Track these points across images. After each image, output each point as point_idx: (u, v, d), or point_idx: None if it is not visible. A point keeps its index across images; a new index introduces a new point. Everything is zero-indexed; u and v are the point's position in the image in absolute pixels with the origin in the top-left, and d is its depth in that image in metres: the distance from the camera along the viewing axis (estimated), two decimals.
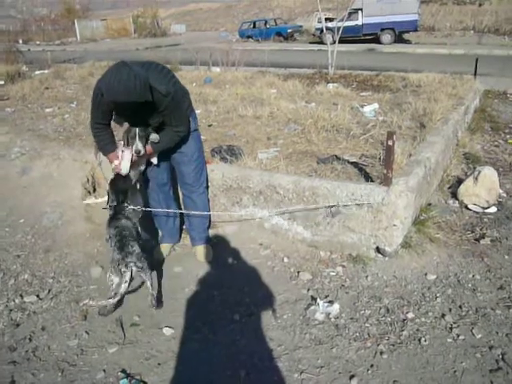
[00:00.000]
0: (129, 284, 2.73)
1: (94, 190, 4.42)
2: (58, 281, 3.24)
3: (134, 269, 2.71)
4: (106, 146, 3.00)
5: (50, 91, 8.18)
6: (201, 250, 3.39)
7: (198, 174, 3.25)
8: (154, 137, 2.93)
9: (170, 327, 2.70)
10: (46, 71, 10.89)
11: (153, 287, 2.85)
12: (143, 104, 2.58)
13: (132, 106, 2.56)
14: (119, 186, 3.00)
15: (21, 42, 31.51)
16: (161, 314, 2.81)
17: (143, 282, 2.96)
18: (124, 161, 2.92)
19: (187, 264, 3.34)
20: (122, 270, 2.69)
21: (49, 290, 3.13)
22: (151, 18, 39.54)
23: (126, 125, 3.00)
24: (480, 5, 31.07)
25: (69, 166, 4.63)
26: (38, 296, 3.07)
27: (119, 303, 2.88)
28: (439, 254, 3.27)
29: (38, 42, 34.27)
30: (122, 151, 2.93)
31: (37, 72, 10.74)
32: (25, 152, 5.10)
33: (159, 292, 3.03)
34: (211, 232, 3.60)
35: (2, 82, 9.34)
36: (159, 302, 2.91)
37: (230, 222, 3.67)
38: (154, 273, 3.09)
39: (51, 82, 9.16)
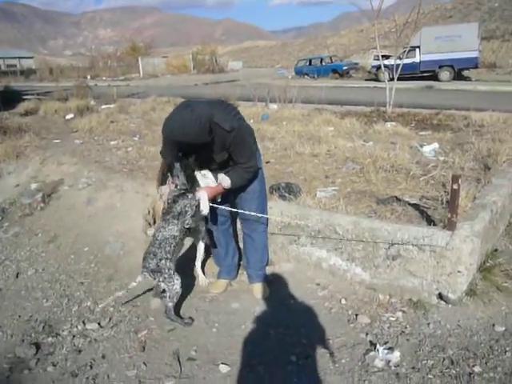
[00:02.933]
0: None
1: (155, 222, 4.57)
2: (118, 310, 3.34)
3: (148, 277, 3.02)
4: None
5: (115, 125, 8.64)
6: (258, 287, 3.39)
7: (260, 212, 3.27)
8: (221, 176, 3.01)
9: (226, 364, 2.70)
10: (111, 105, 11.54)
11: (170, 299, 3.01)
12: (204, 143, 2.70)
13: (192, 145, 2.70)
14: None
15: (89, 77, 33.79)
16: (218, 350, 2.81)
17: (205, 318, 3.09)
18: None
19: (244, 301, 3.34)
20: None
21: (110, 319, 3.23)
22: (210, 54, 41.33)
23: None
24: None
25: (131, 198, 4.83)
26: (99, 324, 3.17)
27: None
28: (507, 304, 3.09)
29: (104, 78, 36.54)
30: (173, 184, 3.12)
31: (103, 106, 11.40)
32: (91, 183, 5.38)
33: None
34: (268, 269, 3.61)
35: (72, 115, 9.99)
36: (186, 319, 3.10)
37: (287, 261, 3.66)
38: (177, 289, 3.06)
39: (116, 115, 9.68)
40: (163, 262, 3.00)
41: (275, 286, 3.47)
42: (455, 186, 2.92)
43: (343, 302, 3.25)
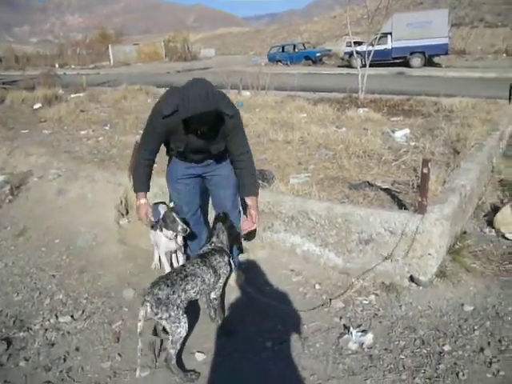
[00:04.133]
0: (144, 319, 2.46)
1: (127, 213, 4.51)
2: (91, 302, 3.30)
3: (149, 310, 2.41)
4: (141, 183, 3.03)
5: (85, 114, 8.46)
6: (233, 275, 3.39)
7: (236, 199, 3.25)
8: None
9: (201, 352, 2.70)
10: (81, 94, 11.29)
11: (173, 344, 2.48)
12: (214, 122, 2.65)
13: (207, 119, 2.57)
14: None
15: (57, 65, 32.84)
16: (193, 339, 2.80)
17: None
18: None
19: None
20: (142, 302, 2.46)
21: (83, 311, 3.18)
22: (182, 42, 40.70)
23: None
24: None
25: (103, 188, 4.75)
26: (72, 316, 3.13)
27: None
28: (476, 284, 3.18)
29: (73, 66, 35.61)
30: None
31: (72, 95, 11.13)
32: (61, 174, 5.27)
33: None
34: (243, 256, 3.61)
35: (40, 105, 9.71)
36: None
37: (262, 247, 3.67)
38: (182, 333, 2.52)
39: (86, 105, 9.48)
40: (175, 297, 2.48)
41: (250, 272, 3.47)
42: (425, 170, 2.97)
43: (317, 287, 3.29)
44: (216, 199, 3.27)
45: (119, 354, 2.74)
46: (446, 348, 2.61)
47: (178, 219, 2.99)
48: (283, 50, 28.42)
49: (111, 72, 26.30)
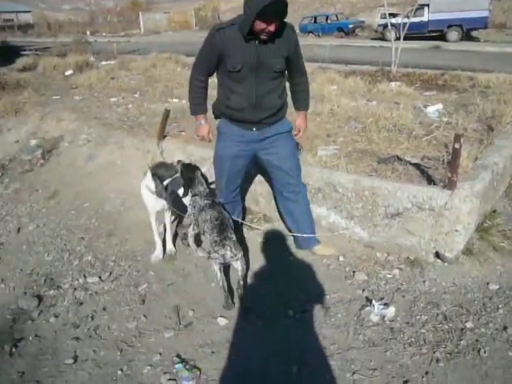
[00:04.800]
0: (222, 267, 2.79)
1: None
2: (118, 264, 3.39)
3: (229, 253, 2.68)
4: (199, 105, 2.96)
5: (115, 81, 8.51)
6: (324, 247, 3.35)
7: (299, 169, 3.18)
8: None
9: (224, 317, 2.76)
10: (111, 62, 11.33)
11: (242, 278, 2.79)
12: (282, 19, 2.57)
13: (280, 8, 2.48)
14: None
15: (88, 33, 32.96)
16: (216, 305, 2.87)
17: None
18: None
19: (244, 256, 3.37)
20: (219, 250, 2.70)
21: (110, 273, 3.29)
22: (212, 11, 40.11)
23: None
24: None
25: (131, 155, 4.82)
26: (100, 277, 3.23)
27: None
28: (503, 263, 3.12)
29: (104, 34, 35.62)
30: None
31: (103, 62, 11.19)
32: (91, 139, 5.36)
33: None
34: (268, 226, 3.63)
35: (72, 72, 9.81)
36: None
37: None
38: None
39: (116, 72, 9.52)
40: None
41: (275, 242, 3.50)
42: (457, 146, 2.89)
43: (341, 259, 3.29)
44: (279, 177, 3.14)
45: (144, 316, 2.83)
46: (469, 325, 2.60)
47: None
48: (315, 21, 27.72)
49: (141, 40, 26.25)
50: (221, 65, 2.77)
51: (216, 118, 3.07)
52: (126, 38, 29.20)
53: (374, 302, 2.78)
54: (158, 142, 4.57)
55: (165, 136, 4.64)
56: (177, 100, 6.58)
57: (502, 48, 16.64)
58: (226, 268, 2.90)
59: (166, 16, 42.22)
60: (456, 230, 3.00)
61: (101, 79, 8.57)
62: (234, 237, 2.78)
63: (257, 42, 2.64)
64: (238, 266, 2.76)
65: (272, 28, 2.54)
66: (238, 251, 2.73)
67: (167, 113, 4.52)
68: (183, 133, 4.83)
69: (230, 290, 2.90)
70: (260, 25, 2.52)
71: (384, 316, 2.70)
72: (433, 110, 5.31)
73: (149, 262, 3.38)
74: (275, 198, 3.49)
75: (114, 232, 3.86)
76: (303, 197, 3.22)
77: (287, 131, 3.04)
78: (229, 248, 2.69)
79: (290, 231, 3.38)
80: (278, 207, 3.51)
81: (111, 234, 3.83)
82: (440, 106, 5.45)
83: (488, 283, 2.95)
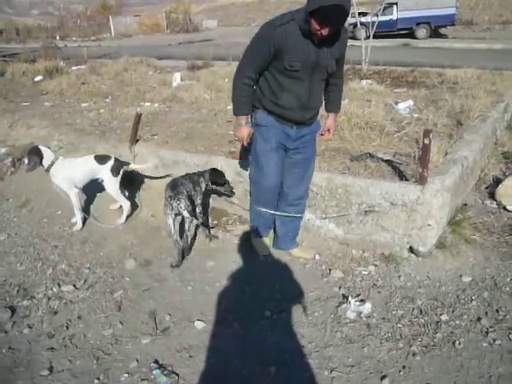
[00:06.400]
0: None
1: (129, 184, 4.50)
2: (93, 271, 3.34)
3: (183, 205, 3.17)
4: (245, 104, 2.81)
5: (86, 86, 8.36)
6: (303, 248, 3.38)
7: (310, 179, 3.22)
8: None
9: (201, 321, 2.74)
10: (82, 67, 11.13)
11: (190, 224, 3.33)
12: (342, 24, 2.53)
13: (343, 14, 2.40)
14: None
15: (58, 38, 32.35)
16: (193, 308, 2.85)
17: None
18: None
19: (220, 259, 3.37)
20: (174, 204, 3.17)
21: (85, 281, 3.23)
22: (183, 13, 39.83)
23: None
24: None
25: None
26: (74, 286, 3.17)
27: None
28: (475, 255, 3.19)
29: (74, 38, 35.04)
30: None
31: (73, 68, 10.99)
32: (62, 146, 5.24)
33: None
34: (244, 228, 3.63)
35: (41, 77, 9.61)
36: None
37: None
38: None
39: (87, 77, 9.36)
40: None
41: (250, 244, 3.49)
42: (426, 141, 2.94)
43: (317, 257, 3.31)
44: (294, 179, 3.11)
45: (121, 322, 2.79)
46: (444, 317, 2.64)
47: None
48: None
49: (112, 44, 25.91)
50: (275, 61, 2.65)
51: (251, 109, 2.91)
52: (96, 43, 28.82)
53: (350, 298, 2.80)
54: (130, 146, 4.51)
55: (137, 140, 4.58)
56: (149, 104, 6.51)
57: (469, 44, 17.04)
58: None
59: (137, 19, 41.75)
60: (429, 225, 3.05)
61: (71, 84, 8.41)
62: (185, 192, 3.21)
63: (315, 41, 2.57)
64: (186, 215, 3.23)
65: (325, 32, 2.46)
66: (188, 203, 3.21)
67: (139, 117, 4.46)
68: (156, 136, 4.79)
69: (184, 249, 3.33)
70: (314, 25, 2.44)
71: (360, 312, 2.73)
72: (403, 106, 5.39)
73: (124, 268, 3.33)
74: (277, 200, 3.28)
75: (89, 239, 3.79)
76: (304, 204, 3.25)
77: (316, 132, 3.05)
78: (183, 200, 3.17)
79: (274, 231, 3.37)
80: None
81: (85, 240, 3.77)
82: (410, 102, 5.54)
83: (461, 275, 3.01)
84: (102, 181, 3.91)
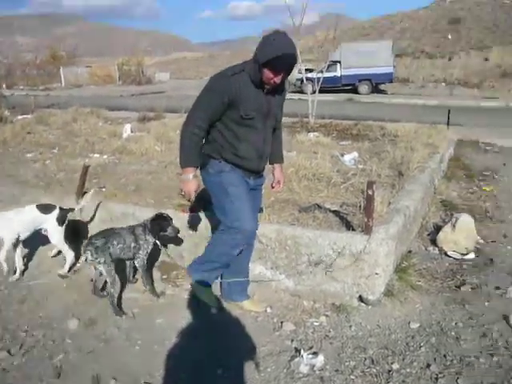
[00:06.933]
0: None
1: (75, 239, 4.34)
2: (31, 334, 3.10)
3: (89, 256, 3.17)
4: (193, 156, 2.74)
5: (32, 136, 8.19)
6: (253, 304, 3.30)
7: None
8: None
9: (149, 383, 2.60)
10: (28, 116, 10.93)
11: (111, 284, 3.21)
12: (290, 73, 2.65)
13: (293, 62, 2.57)
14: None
15: (4, 86, 31.68)
16: (141, 369, 2.70)
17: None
18: None
19: (169, 315, 3.24)
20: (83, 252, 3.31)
21: (21, 345, 2.97)
22: (136, 65, 40.39)
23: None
24: (450, 59, 32.84)
25: None
26: (9, 352, 2.90)
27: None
28: (421, 301, 3.28)
29: (21, 87, 34.45)
30: None
31: (19, 117, 10.76)
32: (2, 199, 5.01)
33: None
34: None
35: None
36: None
37: None
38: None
39: (33, 127, 9.18)
40: (108, 245, 3.26)
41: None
42: (370, 192, 3.06)
43: (269, 310, 3.27)
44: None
45: None
46: (395, 366, 2.65)
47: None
48: None
49: (62, 94, 25.69)
50: (229, 111, 2.67)
51: (205, 159, 2.84)
52: (45, 92, 28.49)
53: (302, 352, 2.76)
54: (77, 199, 4.39)
55: (84, 193, 4.47)
56: (98, 155, 6.43)
57: (406, 100, 18.29)
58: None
59: (88, 70, 41.88)
60: (376, 273, 3.12)
61: (16, 134, 8.20)
62: (98, 243, 3.17)
63: (265, 90, 2.68)
64: (102, 270, 3.21)
65: (278, 80, 2.59)
66: (100, 257, 3.16)
67: (86, 168, 4.39)
68: (104, 189, 4.70)
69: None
70: (268, 74, 2.55)
71: (314, 365, 2.69)
72: (349, 158, 5.63)
73: (65, 329, 3.14)
74: None
75: (28, 298, 3.56)
76: (251, 250, 3.22)
77: (263, 184, 3.13)
78: (89, 252, 3.17)
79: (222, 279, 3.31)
80: None
81: (23, 300, 3.53)
82: (355, 154, 5.80)
83: (409, 322, 3.06)
84: (46, 231, 3.78)
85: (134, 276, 3.65)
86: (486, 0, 43.24)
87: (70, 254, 3.85)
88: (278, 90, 2.76)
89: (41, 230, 3.80)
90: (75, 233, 4.15)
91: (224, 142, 2.78)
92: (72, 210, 3.95)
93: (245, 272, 3.25)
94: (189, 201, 3.01)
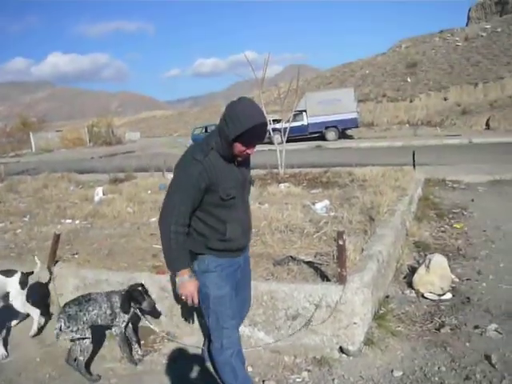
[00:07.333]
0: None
1: (47, 310, 4.22)
2: None
3: (62, 325, 3.13)
4: (184, 256, 2.46)
5: (2, 205, 8.06)
6: None
7: None
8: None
9: None
10: None
11: (81, 352, 3.18)
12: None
13: (265, 130, 2.40)
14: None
15: None
16: None
17: None
18: None
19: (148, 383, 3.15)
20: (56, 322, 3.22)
21: None
22: (106, 127, 40.77)
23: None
24: (411, 101, 34.38)
25: None
26: None
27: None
28: (402, 347, 3.27)
29: None
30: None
31: None
32: None
33: None
34: (171, 345, 3.47)
35: None
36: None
37: (191, 334, 3.56)
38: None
39: (3, 195, 9.07)
40: (82, 313, 3.24)
41: (181, 362, 3.32)
42: (340, 242, 3.11)
43: (250, 369, 3.19)
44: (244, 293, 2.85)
45: None
46: None
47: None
48: (206, 131, 29.33)
49: (33, 159, 25.59)
50: (208, 196, 2.42)
51: (192, 259, 2.55)
52: (15, 159, 28.35)
53: None
54: (48, 268, 4.30)
55: (56, 261, 4.39)
56: (70, 221, 6.36)
57: (373, 143, 18.90)
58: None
59: (59, 134, 41.98)
60: (354, 323, 3.12)
61: None
62: (70, 311, 3.17)
63: (236, 163, 2.48)
64: (75, 337, 3.16)
65: (251, 151, 2.41)
66: (73, 325, 3.14)
67: (57, 237, 4.33)
68: (76, 255, 4.63)
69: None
70: (240, 148, 2.36)
71: None
72: (320, 206, 5.72)
73: None
74: None
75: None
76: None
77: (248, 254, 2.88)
78: (62, 320, 3.14)
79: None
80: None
81: None
82: (327, 202, 5.90)
83: (392, 371, 3.03)
84: (7, 295, 3.78)
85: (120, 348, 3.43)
86: (440, 43, 46.07)
87: (35, 313, 3.88)
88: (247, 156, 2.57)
89: (5, 297, 3.79)
90: (41, 296, 4.15)
91: (207, 230, 2.49)
92: (31, 273, 3.98)
93: None
94: (193, 305, 2.55)
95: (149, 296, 3.42)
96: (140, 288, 3.38)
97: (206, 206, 2.46)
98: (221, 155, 2.41)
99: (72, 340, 3.23)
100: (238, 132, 2.28)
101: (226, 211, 2.48)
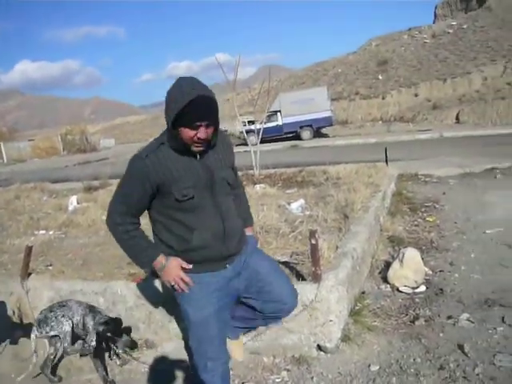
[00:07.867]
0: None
1: (22, 323, 4.14)
2: None
3: (36, 331, 3.21)
4: (150, 248, 2.20)
5: None
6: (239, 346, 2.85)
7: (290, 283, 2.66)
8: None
9: None
10: None
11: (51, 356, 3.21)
12: (215, 121, 2.09)
13: (212, 108, 2.04)
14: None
15: None
16: None
17: None
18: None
19: None
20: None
21: None
22: (80, 134, 40.14)
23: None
24: (383, 98, 34.96)
25: None
26: None
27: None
28: (379, 342, 3.32)
29: None
30: None
31: None
32: None
33: None
34: (150, 352, 3.45)
35: None
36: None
37: (169, 339, 3.54)
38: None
39: None
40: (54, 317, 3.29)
41: (158, 369, 3.31)
42: (313, 241, 3.15)
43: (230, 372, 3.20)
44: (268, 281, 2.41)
45: None
46: None
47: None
48: None
49: (4, 170, 24.96)
50: (163, 198, 2.14)
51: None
52: None
53: None
54: (21, 281, 4.22)
55: (30, 274, 4.31)
56: (44, 231, 6.24)
57: (348, 140, 19.12)
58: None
59: (31, 143, 41.16)
60: (330, 320, 3.16)
61: None
62: (40, 317, 3.24)
63: (198, 156, 2.13)
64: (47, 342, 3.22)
65: (202, 134, 2.03)
66: (44, 327, 3.19)
67: (29, 249, 4.25)
68: (50, 267, 4.55)
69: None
70: (186, 133, 2.02)
71: None
72: (296, 206, 5.76)
73: None
74: None
75: None
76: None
77: (256, 243, 2.60)
78: (34, 328, 3.22)
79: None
80: None
81: None
82: (302, 201, 5.94)
83: (369, 365, 3.07)
84: None
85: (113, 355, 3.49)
86: (409, 40, 46.97)
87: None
88: (218, 147, 2.21)
89: None
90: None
91: (174, 241, 2.20)
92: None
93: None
94: (186, 284, 2.19)
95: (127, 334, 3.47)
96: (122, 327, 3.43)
97: (165, 210, 2.17)
98: (173, 149, 2.10)
99: (50, 342, 3.26)
100: (176, 111, 1.97)
101: (192, 216, 2.14)
